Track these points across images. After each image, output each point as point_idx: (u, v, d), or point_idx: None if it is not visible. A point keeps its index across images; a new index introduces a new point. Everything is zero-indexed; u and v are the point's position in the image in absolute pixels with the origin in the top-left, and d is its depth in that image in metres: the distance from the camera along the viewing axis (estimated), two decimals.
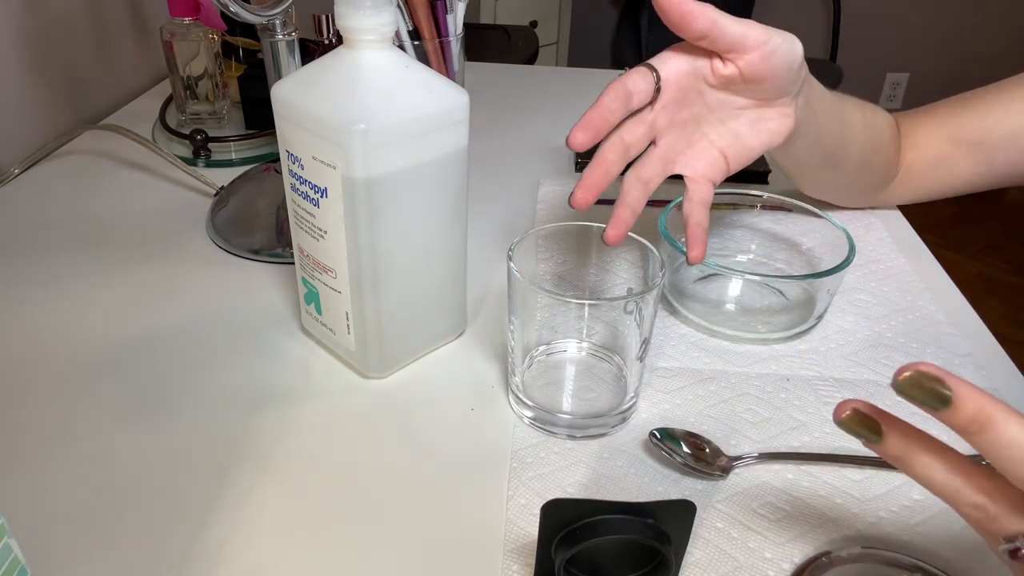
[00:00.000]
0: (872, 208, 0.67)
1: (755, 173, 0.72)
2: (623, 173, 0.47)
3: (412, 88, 0.42)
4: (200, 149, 0.75)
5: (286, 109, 0.43)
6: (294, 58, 0.57)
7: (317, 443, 0.44)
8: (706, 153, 0.48)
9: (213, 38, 0.79)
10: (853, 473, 0.42)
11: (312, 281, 0.47)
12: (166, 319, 0.53)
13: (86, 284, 0.56)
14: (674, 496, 0.41)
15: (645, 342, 0.43)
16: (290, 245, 0.49)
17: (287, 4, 0.55)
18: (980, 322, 0.55)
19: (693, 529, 0.33)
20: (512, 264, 0.42)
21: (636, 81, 0.44)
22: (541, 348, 0.47)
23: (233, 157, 0.77)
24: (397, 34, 0.67)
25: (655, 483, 0.41)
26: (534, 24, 2.27)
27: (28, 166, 0.72)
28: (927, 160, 0.60)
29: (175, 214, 0.66)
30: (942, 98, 0.61)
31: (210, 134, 0.75)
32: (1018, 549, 0.27)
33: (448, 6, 0.71)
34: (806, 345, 0.52)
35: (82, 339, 0.51)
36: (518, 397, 0.45)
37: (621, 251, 0.46)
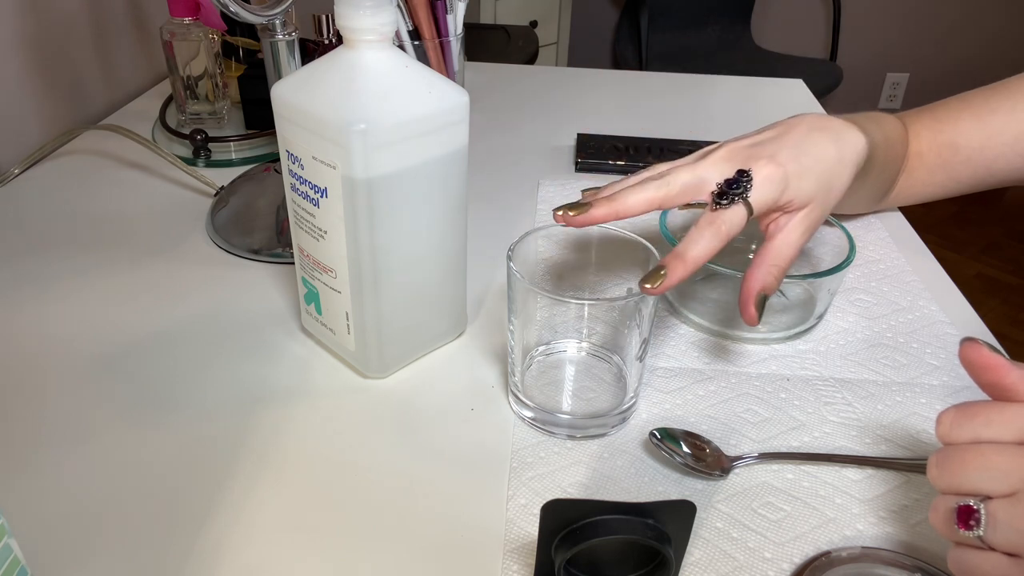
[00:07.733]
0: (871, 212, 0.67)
1: None
2: None
3: (412, 88, 0.42)
4: (200, 149, 0.75)
5: (286, 109, 0.43)
6: (294, 58, 0.57)
7: (317, 443, 0.44)
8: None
9: (213, 38, 0.79)
10: (853, 473, 0.42)
11: (312, 281, 0.47)
12: (166, 319, 0.53)
13: (86, 284, 0.56)
14: (674, 496, 0.41)
15: (645, 342, 0.43)
16: (290, 245, 0.49)
17: (287, 4, 0.55)
18: (980, 322, 0.55)
19: (693, 529, 0.33)
20: (512, 264, 0.42)
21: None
22: (541, 348, 0.47)
23: (233, 157, 0.77)
24: (397, 34, 0.67)
25: (655, 483, 0.41)
26: (534, 24, 2.27)
27: (28, 166, 0.72)
28: (927, 166, 0.60)
29: (175, 214, 0.66)
30: (942, 98, 0.60)
31: (210, 134, 0.75)
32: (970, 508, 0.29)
33: (448, 6, 0.71)
34: (806, 345, 0.52)
35: (82, 339, 0.51)
36: (518, 397, 0.45)
37: (621, 251, 0.46)
